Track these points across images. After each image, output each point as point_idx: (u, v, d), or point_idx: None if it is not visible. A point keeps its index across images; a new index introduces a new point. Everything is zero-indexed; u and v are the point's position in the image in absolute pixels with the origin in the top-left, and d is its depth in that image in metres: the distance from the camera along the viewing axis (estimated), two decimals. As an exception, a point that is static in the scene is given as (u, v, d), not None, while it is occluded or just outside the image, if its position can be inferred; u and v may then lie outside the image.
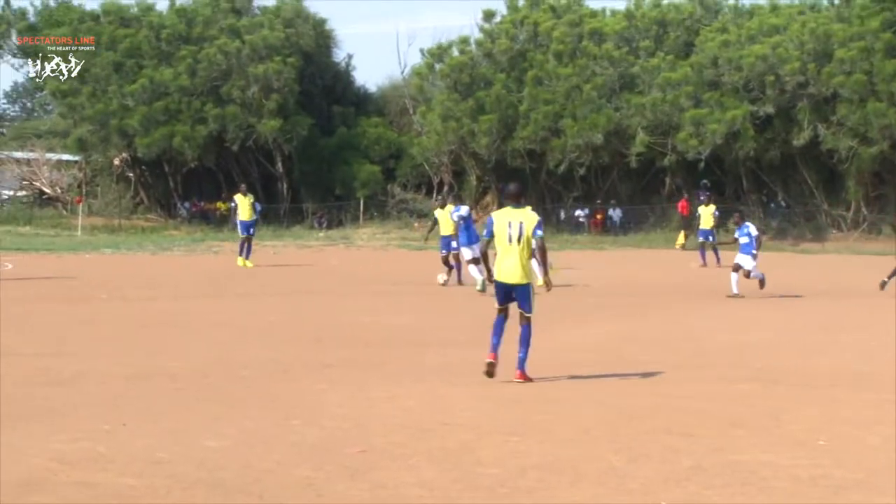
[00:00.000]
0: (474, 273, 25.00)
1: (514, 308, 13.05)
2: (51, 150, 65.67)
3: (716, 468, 8.76)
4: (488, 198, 60.09)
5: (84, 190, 60.41)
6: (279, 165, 59.24)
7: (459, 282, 27.93)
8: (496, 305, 13.22)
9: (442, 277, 28.45)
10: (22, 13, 61.69)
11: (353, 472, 8.71)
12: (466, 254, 26.68)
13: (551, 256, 16.89)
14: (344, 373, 14.61)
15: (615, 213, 58.01)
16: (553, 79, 54.77)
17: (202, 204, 62.11)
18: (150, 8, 60.36)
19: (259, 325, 20.51)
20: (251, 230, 34.82)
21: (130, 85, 55.84)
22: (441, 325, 21.62)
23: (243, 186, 39.63)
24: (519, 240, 12.71)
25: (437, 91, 59.67)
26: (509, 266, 12.91)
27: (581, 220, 57.19)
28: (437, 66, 59.08)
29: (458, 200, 35.30)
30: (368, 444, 9.92)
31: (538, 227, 12.74)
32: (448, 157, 58.55)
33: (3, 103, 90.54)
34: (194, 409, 11.71)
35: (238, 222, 35.90)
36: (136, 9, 60.06)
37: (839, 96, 52.89)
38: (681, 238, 48.44)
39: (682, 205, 51.80)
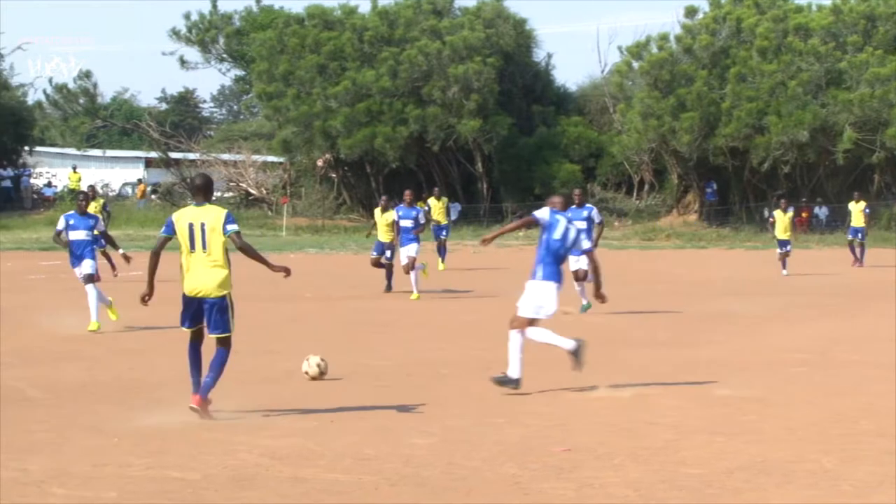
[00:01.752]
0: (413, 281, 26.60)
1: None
2: (256, 151, 70.23)
3: None
4: (689, 196, 63.16)
5: (289, 191, 64.95)
6: (479, 165, 62.30)
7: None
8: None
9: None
10: (227, 18, 67.97)
11: (558, 471, 9.38)
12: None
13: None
14: (545, 372, 15.19)
15: (821, 212, 59.79)
16: (756, 75, 57.02)
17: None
18: (352, 11, 64.33)
19: (456, 325, 22.33)
20: (444, 233, 37.56)
21: (334, 87, 59.52)
22: (637, 324, 23.27)
23: (436, 189, 42.59)
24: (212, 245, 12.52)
25: (637, 89, 62.07)
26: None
27: (769, 221, 57.53)
28: (637, 64, 61.78)
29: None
30: (572, 443, 10.66)
31: None
32: (648, 156, 61.07)
33: (211, 106, 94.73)
34: (399, 406, 12.72)
35: (431, 226, 38.34)
36: (339, 12, 64.29)
37: None
38: None
39: None
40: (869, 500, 8.48)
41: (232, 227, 11.55)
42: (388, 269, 28.99)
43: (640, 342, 19.50)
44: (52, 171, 76.00)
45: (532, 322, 14.44)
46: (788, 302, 27.99)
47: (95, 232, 21.64)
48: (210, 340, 12.03)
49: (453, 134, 59.16)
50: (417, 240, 26.91)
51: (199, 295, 11.85)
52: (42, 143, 80.00)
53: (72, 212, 20.45)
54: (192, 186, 13.47)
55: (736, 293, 29.99)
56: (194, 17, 68.93)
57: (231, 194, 68.60)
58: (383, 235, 29.16)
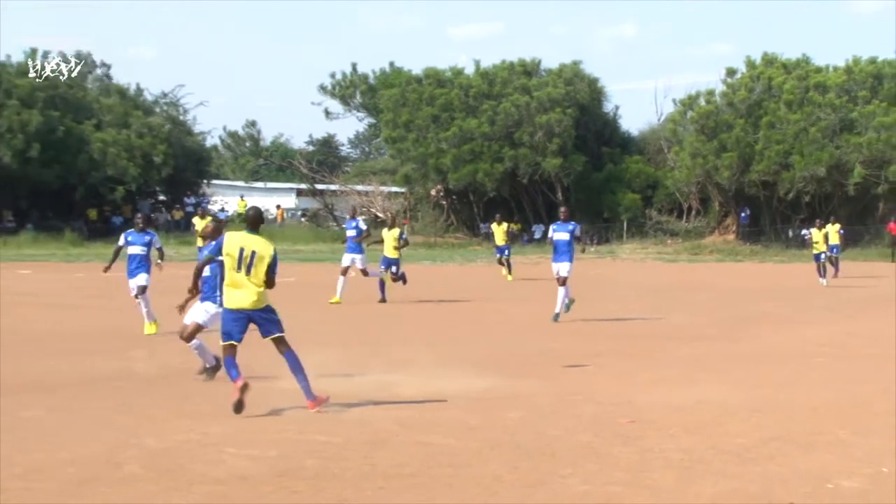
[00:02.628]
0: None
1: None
2: (383, 183, 79.09)
3: None
4: (728, 220, 69.86)
5: (408, 214, 73.30)
6: (559, 194, 68.60)
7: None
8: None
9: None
10: (364, 78, 76.84)
11: (625, 439, 11.16)
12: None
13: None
14: (613, 360, 18.07)
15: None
16: (783, 123, 63.94)
17: (487, 226, 69.35)
18: (460, 72, 72.86)
19: (535, 322, 24.83)
20: (505, 252, 41.28)
21: (444, 132, 68.43)
22: (688, 323, 25.77)
23: (498, 216, 45.96)
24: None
25: (687, 134, 69.47)
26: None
27: (806, 238, 59.81)
28: (688, 114, 69.32)
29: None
30: (637, 417, 12.34)
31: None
32: (695, 187, 68.67)
33: (348, 148, 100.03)
34: (496, 387, 14.71)
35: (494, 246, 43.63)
36: (449, 73, 72.87)
37: None
38: None
39: (892, 227, 61.17)
40: (877, 465, 10.19)
41: (276, 268, 12.89)
42: (394, 280, 31.46)
43: (691, 337, 22.45)
44: (225, 199, 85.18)
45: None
46: (812, 305, 31.99)
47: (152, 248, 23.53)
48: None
49: (539, 170, 67.42)
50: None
51: (242, 309, 12.89)
52: (217, 178, 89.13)
53: (131, 230, 22.21)
54: (246, 216, 13.87)
55: (768, 298, 34.09)
56: (338, 76, 77.83)
57: (363, 217, 70.79)
58: (390, 252, 31.62)
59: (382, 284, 30.35)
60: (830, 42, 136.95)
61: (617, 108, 76.70)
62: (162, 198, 74.50)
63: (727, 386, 15.28)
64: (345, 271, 30.52)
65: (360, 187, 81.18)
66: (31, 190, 71.29)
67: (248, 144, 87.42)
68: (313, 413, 12.60)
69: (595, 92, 73.95)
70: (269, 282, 13.22)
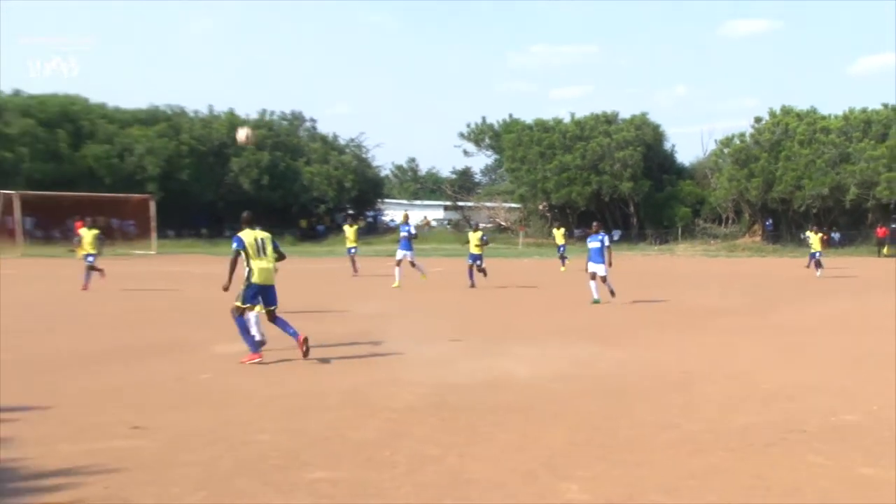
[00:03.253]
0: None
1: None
2: (504, 201, 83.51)
3: None
4: (756, 226, 72.26)
5: (523, 223, 76.73)
6: (631, 209, 73.61)
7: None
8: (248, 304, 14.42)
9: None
10: (490, 126, 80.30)
11: (676, 386, 12.21)
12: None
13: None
14: (671, 328, 19.15)
15: (835, 236, 66.62)
16: (797, 156, 67.02)
17: (583, 230, 67.45)
18: (560, 121, 76.40)
19: (607, 303, 24.10)
20: (561, 249, 41.93)
21: (548, 164, 73.02)
22: (725, 302, 25.88)
23: (556, 223, 49.54)
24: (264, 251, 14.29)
25: (725, 164, 72.39)
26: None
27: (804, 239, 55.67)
28: (726, 150, 72.81)
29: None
30: (686, 369, 13.54)
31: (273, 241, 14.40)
32: (731, 203, 72.06)
33: (479, 175, 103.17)
34: (585, 348, 15.80)
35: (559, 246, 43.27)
36: (552, 122, 76.44)
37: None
38: (885, 251, 61.13)
39: (881, 231, 64.70)
40: (870, 405, 11.05)
41: (277, 244, 14.33)
42: (479, 272, 30.93)
43: (728, 312, 22.66)
44: (393, 212, 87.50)
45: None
46: (821, 289, 32.19)
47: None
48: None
49: (616, 191, 71.92)
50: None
51: (265, 283, 14.13)
52: (388, 198, 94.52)
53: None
54: (248, 218, 14.54)
55: (784, 284, 34.49)
56: (472, 125, 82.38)
57: (490, 225, 79.18)
58: (474, 249, 30.97)
59: (471, 273, 30.31)
60: (833, 96, 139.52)
61: (673, 146, 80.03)
62: (350, 211, 73.59)
63: (758, 346, 16.59)
64: (399, 263, 30.64)
65: (488, 204, 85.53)
66: (263, 207, 70.74)
67: (409, 174, 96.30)
68: (448, 363, 14.07)
69: (657, 134, 77.20)
70: (281, 255, 14.71)
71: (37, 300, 25.89)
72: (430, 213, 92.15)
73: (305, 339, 13.97)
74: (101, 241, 30.61)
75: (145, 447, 9.11)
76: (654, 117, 79.98)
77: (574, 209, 73.70)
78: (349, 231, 37.97)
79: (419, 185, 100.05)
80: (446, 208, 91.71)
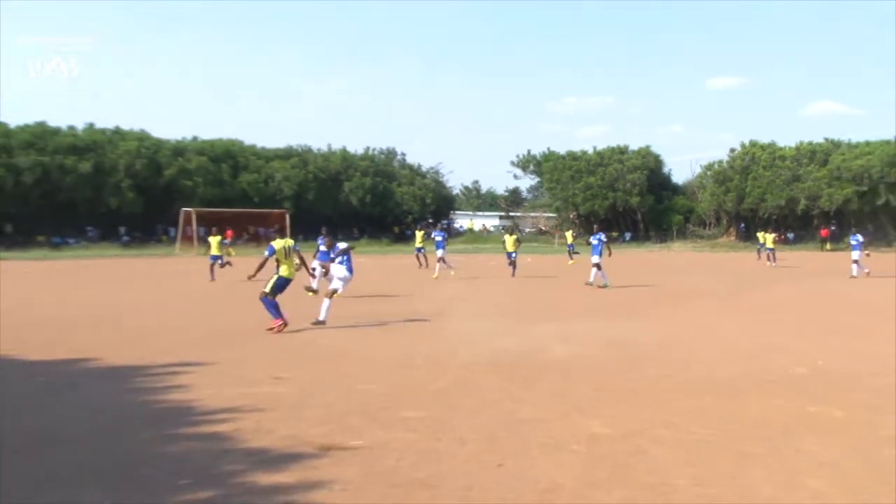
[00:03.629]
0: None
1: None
2: (544, 211, 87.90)
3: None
4: (731, 229, 75.40)
5: (558, 228, 79.41)
6: (639, 216, 78.51)
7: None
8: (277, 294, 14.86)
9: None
10: (535, 156, 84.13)
11: (673, 349, 12.16)
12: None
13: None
14: (668, 307, 18.95)
15: (790, 236, 70.66)
16: (761, 177, 72.78)
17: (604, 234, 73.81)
18: (585, 152, 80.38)
19: (611, 289, 23.84)
20: (571, 248, 43.80)
21: (577, 184, 77.73)
22: (714, 286, 25.50)
23: (567, 226, 56.03)
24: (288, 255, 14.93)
25: (709, 183, 78.02)
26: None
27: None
28: (709, 173, 78.73)
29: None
30: (681, 336, 13.62)
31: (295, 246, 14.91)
32: (713, 212, 77.50)
33: (525, 192, 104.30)
34: (600, 321, 15.75)
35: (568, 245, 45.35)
36: (579, 153, 80.00)
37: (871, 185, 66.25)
38: (828, 246, 64.90)
39: (823, 232, 68.33)
40: (815, 361, 11.24)
41: (297, 247, 14.80)
42: (510, 265, 30.64)
43: (709, 293, 23.02)
44: (461, 221, 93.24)
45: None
46: (779, 276, 31.91)
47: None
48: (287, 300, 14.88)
49: (628, 204, 77.33)
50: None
51: (289, 277, 14.86)
52: (458, 210, 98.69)
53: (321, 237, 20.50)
54: (279, 230, 15.81)
55: (752, 273, 34.40)
56: (520, 155, 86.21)
57: (533, 230, 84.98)
58: (510, 248, 30.90)
59: (513, 266, 30.43)
60: (788, 132, 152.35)
61: (670, 170, 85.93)
62: (430, 221, 72.56)
63: (731, 319, 17.01)
64: (439, 259, 30.79)
65: (532, 214, 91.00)
66: (366, 218, 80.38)
67: (473, 192, 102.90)
68: (498, 334, 14.26)
69: (658, 162, 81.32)
70: (301, 260, 15.92)
71: (204, 289, 26.34)
72: (489, 221, 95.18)
73: (282, 326, 14.93)
74: (225, 245, 31.54)
75: (283, 393, 9.64)
76: (655, 149, 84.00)
77: (596, 217, 76.35)
78: (418, 235, 38.86)
79: (480, 200, 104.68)
80: (500, 217, 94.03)
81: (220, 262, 29.55)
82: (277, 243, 15.06)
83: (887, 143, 69.76)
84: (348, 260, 16.50)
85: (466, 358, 12.07)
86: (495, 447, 7.40)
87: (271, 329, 14.59)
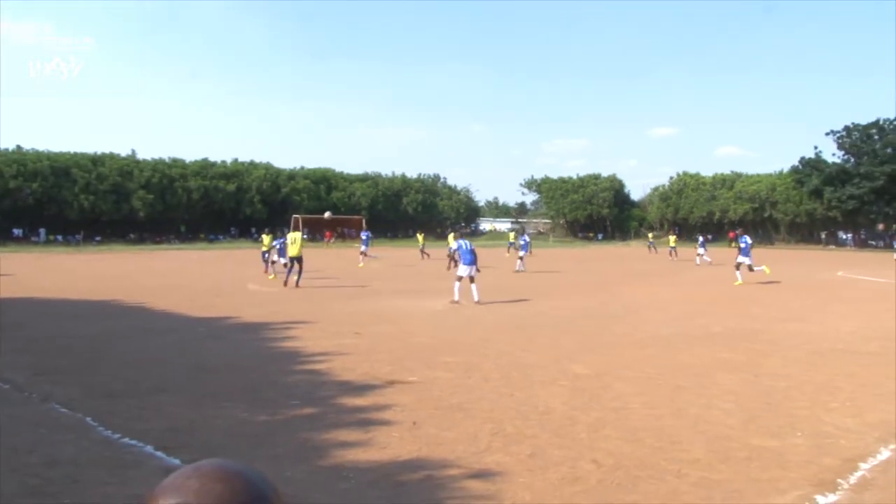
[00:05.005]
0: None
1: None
2: (542, 218, 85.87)
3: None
4: (671, 233, 61.26)
5: (550, 230, 79.80)
6: (608, 223, 76.01)
7: None
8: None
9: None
10: (537, 181, 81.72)
11: (631, 314, 11.69)
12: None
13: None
14: (632, 282, 18.82)
15: (710, 236, 62.19)
16: (690, 196, 72.50)
17: (584, 234, 76.30)
18: (571, 178, 78.61)
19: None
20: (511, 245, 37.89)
21: (565, 199, 77.16)
22: (659, 268, 25.35)
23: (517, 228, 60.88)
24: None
25: (655, 201, 77.53)
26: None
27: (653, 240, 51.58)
28: (656, 193, 78.09)
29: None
30: (637, 305, 12.99)
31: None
32: (658, 221, 74.94)
33: (530, 205, 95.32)
34: (576, 298, 15.23)
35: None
36: (567, 178, 78.85)
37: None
38: (733, 244, 54.68)
39: (731, 234, 59.70)
40: (727, 322, 10.80)
41: (303, 239, 12.94)
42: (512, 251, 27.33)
43: (653, 274, 21.44)
44: (484, 225, 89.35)
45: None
46: (698, 265, 29.69)
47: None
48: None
49: (600, 213, 76.26)
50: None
51: (296, 255, 15.24)
52: (482, 217, 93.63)
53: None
54: (294, 226, 10.16)
55: (683, 263, 31.67)
56: (527, 179, 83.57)
57: (535, 231, 79.57)
58: (512, 239, 28.79)
59: (521, 259, 26.71)
60: (707, 165, 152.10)
61: (629, 191, 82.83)
62: (463, 224, 76.95)
63: (669, 293, 16.06)
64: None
65: (534, 220, 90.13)
66: (419, 223, 72.14)
67: (493, 204, 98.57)
68: (511, 306, 13.61)
69: (621, 185, 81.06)
70: (299, 254, 15.67)
71: (312, 273, 22.21)
72: (501, 225, 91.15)
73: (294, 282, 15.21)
74: (278, 244, 23.70)
75: (361, 343, 9.33)
76: (619, 176, 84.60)
77: (580, 223, 78.46)
78: (450, 238, 32.33)
79: (498, 210, 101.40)
80: (512, 222, 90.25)
81: (267, 256, 23.70)
82: (292, 236, 14.77)
83: (771, 175, 69.49)
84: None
85: (490, 321, 11.91)
86: (509, 383, 7.37)
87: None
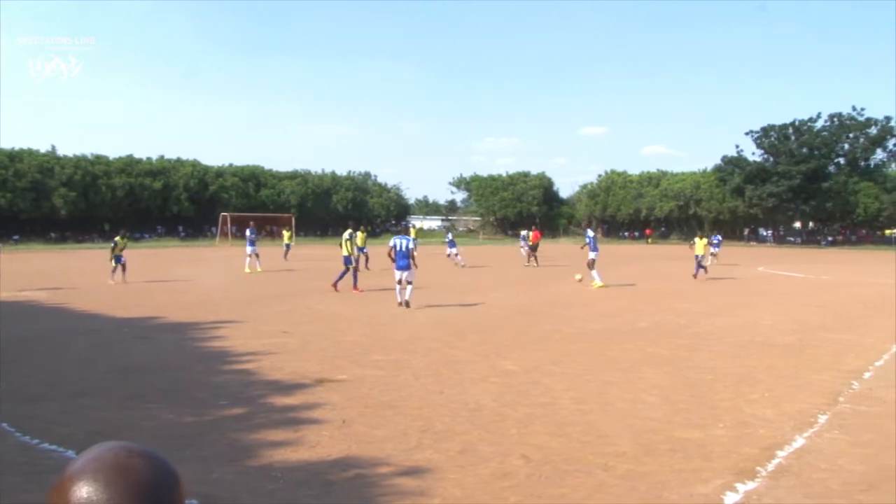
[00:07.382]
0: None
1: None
2: (472, 216, 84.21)
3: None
4: (599, 229, 69.28)
5: (481, 228, 77.73)
6: (538, 220, 59.81)
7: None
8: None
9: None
10: (466, 178, 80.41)
11: (560, 310, 11.62)
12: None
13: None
14: (556, 281, 18.69)
15: (636, 234, 68.97)
16: (617, 195, 71.60)
17: (514, 232, 72.27)
18: (501, 175, 77.38)
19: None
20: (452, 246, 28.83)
21: (495, 197, 75.55)
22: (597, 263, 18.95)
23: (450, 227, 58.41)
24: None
25: (584, 198, 76.88)
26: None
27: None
28: (584, 191, 77.39)
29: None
30: (565, 301, 12.93)
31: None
32: (586, 217, 72.82)
33: (460, 202, 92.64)
34: (530, 295, 14.52)
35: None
36: (497, 175, 77.66)
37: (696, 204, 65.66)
38: (650, 241, 63.53)
39: (648, 231, 67.34)
40: (654, 318, 10.93)
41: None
42: (453, 256, 26.41)
43: (577, 271, 19.44)
44: (414, 222, 77.31)
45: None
46: (623, 258, 30.65)
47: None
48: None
49: (530, 211, 73.25)
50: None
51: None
52: (412, 215, 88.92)
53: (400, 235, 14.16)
54: (405, 228, 13.05)
55: (609, 258, 29.35)
56: (456, 177, 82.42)
57: (465, 229, 79.90)
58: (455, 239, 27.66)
59: (455, 256, 26.55)
60: (631, 164, 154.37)
61: (558, 188, 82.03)
62: (403, 222, 69.69)
63: (596, 289, 15.34)
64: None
65: (464, 218, 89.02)
66: (353, 220, 61.24)
67: (423, 202, 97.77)
68: (447, 301, 13.54)
69: (550, 183, 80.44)
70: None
71: (237, 270, 24.08)
72: (431, 223, 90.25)
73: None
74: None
75: (290, 342, 9.24)
76: (548, 174, 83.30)
77: (510, 221, 76.41)
78: (413, 232, 25.18)
79: (428, 207, 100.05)
80: (442, 220, 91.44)
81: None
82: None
83: (695, 173, 70.17)
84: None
85: (419, 319, 11.87)
86: (439, 380, 7.37)
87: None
